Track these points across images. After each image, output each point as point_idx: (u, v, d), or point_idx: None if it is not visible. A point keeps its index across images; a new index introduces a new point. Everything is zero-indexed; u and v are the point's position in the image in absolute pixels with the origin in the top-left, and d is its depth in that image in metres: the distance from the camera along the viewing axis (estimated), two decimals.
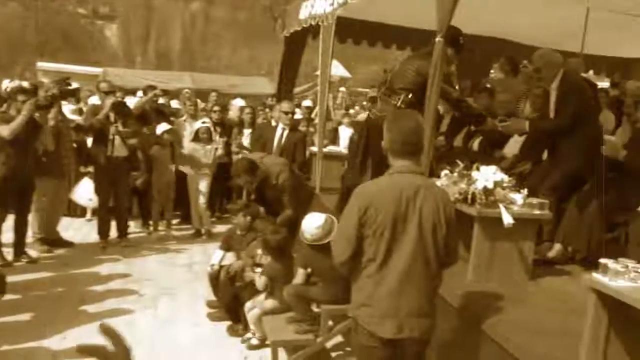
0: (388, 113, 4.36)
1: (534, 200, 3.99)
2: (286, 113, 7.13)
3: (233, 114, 9.55)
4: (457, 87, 5.71)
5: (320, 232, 4.15)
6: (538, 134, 5.03)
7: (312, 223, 4.20)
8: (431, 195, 2.70)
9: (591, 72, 9.54)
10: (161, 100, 8.88)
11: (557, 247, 4.63)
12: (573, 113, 4.56)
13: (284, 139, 7.02)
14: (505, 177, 3.88)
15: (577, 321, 2.83)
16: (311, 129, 8.94)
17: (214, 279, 5.25)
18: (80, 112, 8.60)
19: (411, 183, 2.69)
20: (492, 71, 8.45)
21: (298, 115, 9.43)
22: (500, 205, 3.75)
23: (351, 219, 2.69)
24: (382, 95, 4.99)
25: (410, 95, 4.77)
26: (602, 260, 2.63)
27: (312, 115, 9.99)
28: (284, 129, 7.07)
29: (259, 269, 4.75)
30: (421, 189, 2.69)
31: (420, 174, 2.81)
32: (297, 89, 15.58)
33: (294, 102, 11.01)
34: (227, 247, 5.37)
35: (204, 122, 7.82)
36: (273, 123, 7.54)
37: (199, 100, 9.95)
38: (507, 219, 3.66)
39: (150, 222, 7.94)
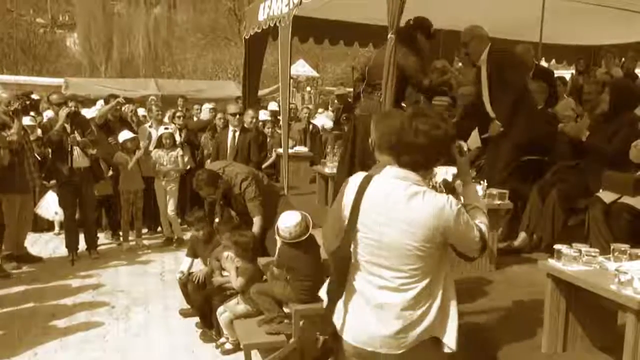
0: (374, 110, 4.52)
1: (494, 191, 4.05)
2: (233, 115, 7.19)
3: (204, 116, 9.51)
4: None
5: (299, 230, 4.19)
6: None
7: (291, 221, 4.22)
8: None
9: (553, 61, 9.74)
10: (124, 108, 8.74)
11: (522, 235, 4.71)
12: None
13: (236, 141, 7.08)
14: None
15: (541, 307, 2.90)
16: (278, 131, 8.93)
17: (184, 286, 5.22)
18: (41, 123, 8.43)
19: None
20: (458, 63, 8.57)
21: (265, 117, 9.41)
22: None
23: (338, 211, 2.75)
24: (364, 92, 5.04)
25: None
26: (557, 246, 2.71)
27: (279, 117, 9.98)
28: (234, 131, 7.14)
29: (226, 273, 4.75)
30: None
31: None
32: (264, 91, 15.59)
33: (260, 104, 11.01)
34: (193, 254, 5.35)
35: (166, 128, 7.75)
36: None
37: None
38: None
39: (120, 233, 7.83)
